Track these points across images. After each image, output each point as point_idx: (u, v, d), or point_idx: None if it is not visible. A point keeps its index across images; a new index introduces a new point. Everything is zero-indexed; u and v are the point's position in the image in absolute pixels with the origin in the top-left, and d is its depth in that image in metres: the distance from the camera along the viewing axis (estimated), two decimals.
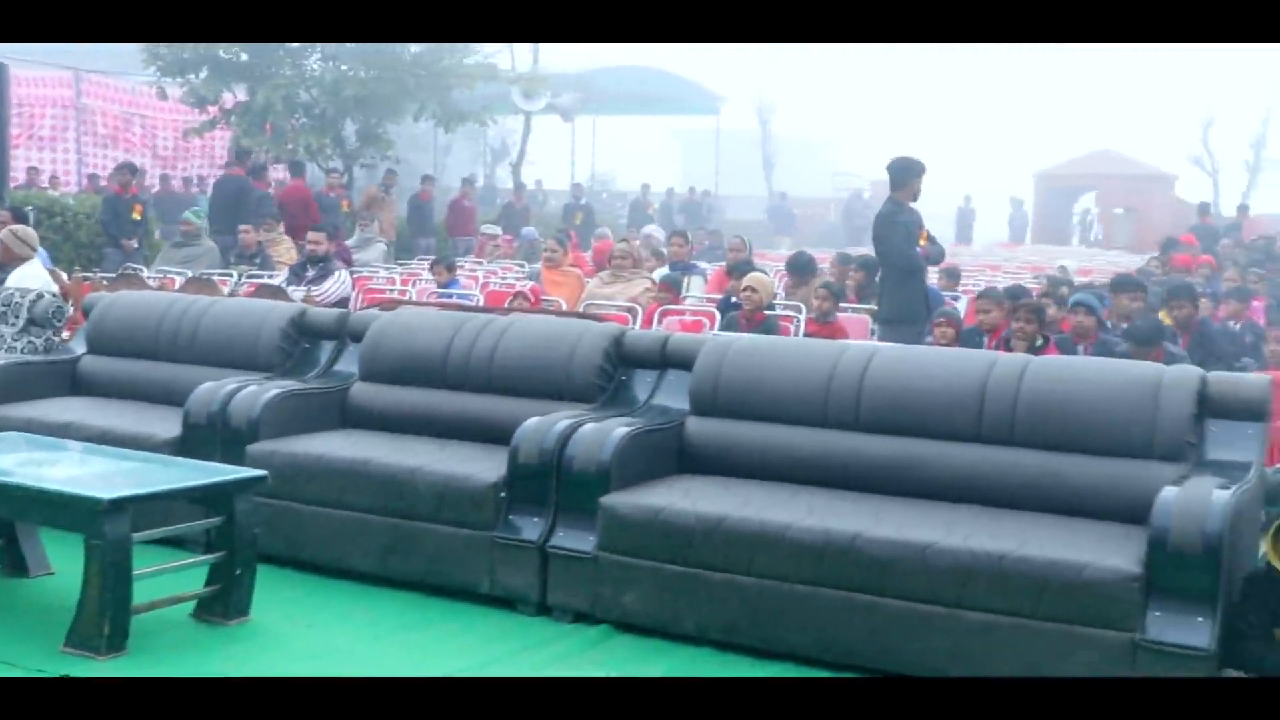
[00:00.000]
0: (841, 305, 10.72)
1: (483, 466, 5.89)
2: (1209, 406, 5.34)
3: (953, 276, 13.97)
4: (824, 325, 9.96)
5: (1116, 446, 5.30)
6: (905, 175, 9.80)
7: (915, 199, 9.89)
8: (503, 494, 5.76)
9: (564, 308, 10.52)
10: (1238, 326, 11.30)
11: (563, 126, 33.51)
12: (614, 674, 5.02)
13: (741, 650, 5.26)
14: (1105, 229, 35.30)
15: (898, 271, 9.80)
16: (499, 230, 18.97)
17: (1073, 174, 37.33)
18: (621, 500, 5.51)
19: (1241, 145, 43.30)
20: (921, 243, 9.77)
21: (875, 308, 10.58)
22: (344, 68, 21.09)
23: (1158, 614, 4.63)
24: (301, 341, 7.30)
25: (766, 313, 9.88)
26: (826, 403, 5.82)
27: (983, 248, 29.83)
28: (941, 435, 5.59)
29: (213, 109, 21.49)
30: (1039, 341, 8.33)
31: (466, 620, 5.65)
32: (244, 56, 20.92)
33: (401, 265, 15.49)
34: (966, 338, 9.09)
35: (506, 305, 9.92)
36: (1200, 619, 4.59)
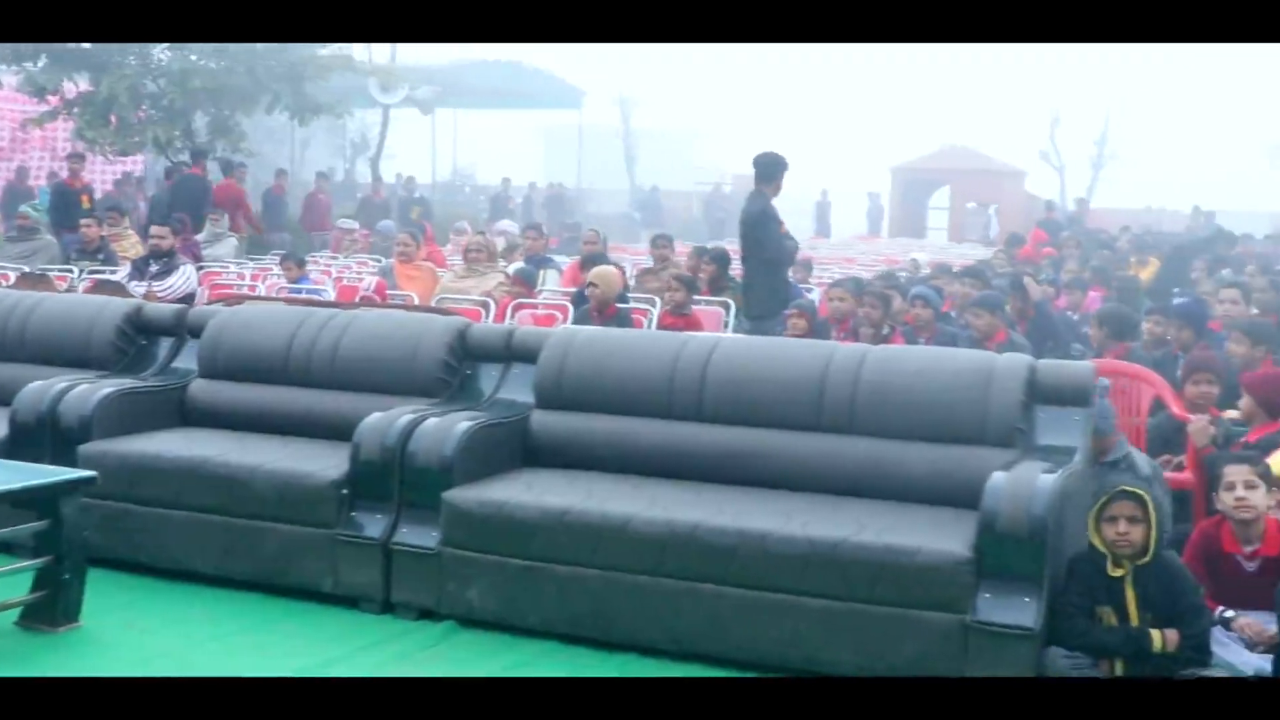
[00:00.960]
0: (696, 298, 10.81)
1: (324, 464, 5.81)
2: (1038, 393, 5.49)
3: (807, 269, 14.15)
4: (679, 317, 10.00)
5: (950, 433, 5.42)
6: (772, 170, 9.90)
7: (778, 194, 10.02)
8: (344, 491, 5.68)
9: (416, 302, 10.41)
10: (1076, 316, 11.65)
11: (423, 120, 33.20)
12: (457, 670, 4.99)
13: (587, 643, 5.27)
14: (957, 223, 36.08)
15: (767, 265, 9.92)
16: (355, 224, 18.71)
17: (928, 169, 38.06)
18: (464, 495, 5.47)
19: (1086, 141, 44.73)
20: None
21: (728, 300, 10.69)
22: (193, 57, 20.54)
23: (987, 596, 4.75)
24: (138, 338, 7.11)
25: (620, 305, 9.91)
26: (670, 394, 5.85)
27: (840, 241, 30.29)
28: (783, 425, 5.66)
29: (53, 99, 20.78)
30: (885, 330, 8.49)
31: (308, 620, 5.56)
32: (85, 44, 20.29)
33: (254, 261, 15.17)
34: (819, 329, 9.21)
35: (356, 301, 9.79)
36: (1027, 599, 4.72)
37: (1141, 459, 6.06)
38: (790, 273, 12.15)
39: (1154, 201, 37.65)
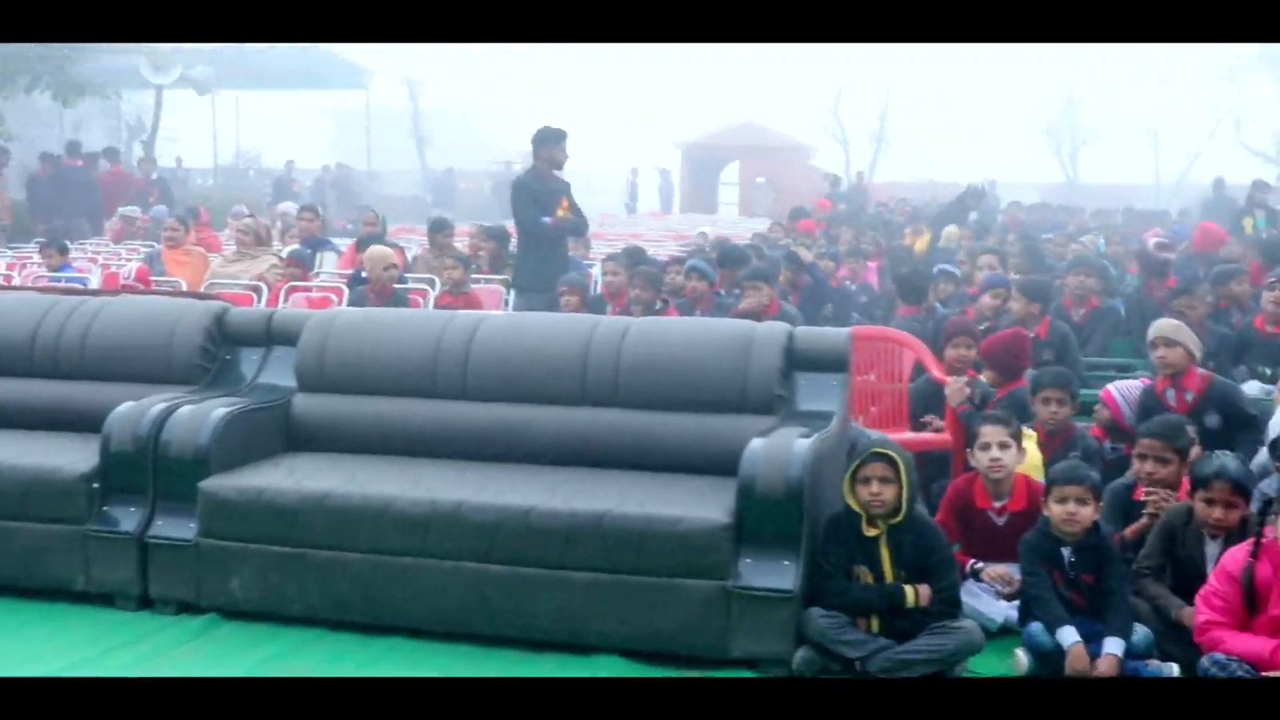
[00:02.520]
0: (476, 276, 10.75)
1: (73, 457, 5.56)
2: (796, 360, 5.59)
3: (587, 245, 14.19)
4: (457, 296, 9.92)
5: (712, 403, 5.48)
6: (540, 143, 9.99)
7: (558, 166, 10.01)
8: (95, 485, 5.45)
9: (184, 289, 10.07)
10: (855, 286, 11.96)
11: (203, 101, 32.12)
12: (213, 663, 4.84)
13: (354, 628, 5.17)
14: (745, 197, 36.69)
15: (527, 238, 9.95)
16: (138, 211, 17.94)
17: (717, 145, 38.55)
18: (222, 484, 5.31)
19: (869, 117, 45.94)
20: (560, 212, 9.87)
21: (508, 278, 10.65)
22: None
23: (748, 561, 4.83)
24: None
25: (397, 286, 9.78)
26: (435, 373, 5.78)
27: (631, 217, 30.49)
28: (547, 400, 5.65)
29: None
30: (658, 305, 8.54)
31: (60, 621, 5.32)
32: None
33: (14, 249, 14.47)
34: (594, 304, 9.23)
35: (119, 287, 9.41)
36: (786, 562, 4.81)
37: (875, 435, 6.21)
38: (572, 248, 12.23)
39: (934, 176, 38.88)
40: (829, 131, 43.90)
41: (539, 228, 9.86)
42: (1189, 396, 6.40)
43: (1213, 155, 41.72)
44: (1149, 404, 6.43)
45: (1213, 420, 6.30)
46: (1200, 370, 6.57)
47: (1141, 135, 45.17)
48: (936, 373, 7.07)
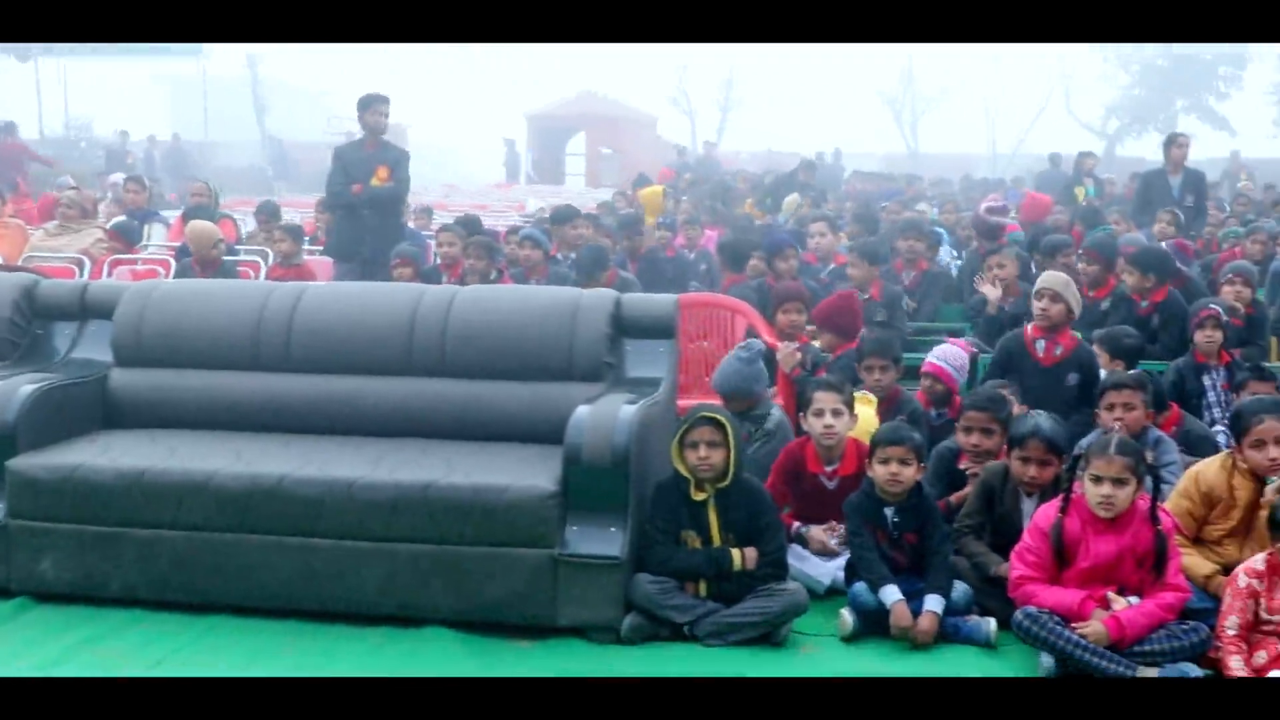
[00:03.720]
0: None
1: None
2: (625, 327, 5.58)
3: (429, 215, 14.05)
4: (289, 268, 9.72)
5: (539, 371, 5.45)
6: (360, 108, 9.96)
7: (378, 131, 9.87)
8: None
9: (2, 263, 9.67)
10: (693, 255, 11.99)
11: (25, 68, 30.91)
12: (24, 649, 4.67)
13: (175, 608, 5.02)
14: (592, 168, 36.64)
15: (335, 206, 10.02)
16: None
17: (563, 116, 38.41)
18: (31, 462, 5.11)
19: (714, 87, 46.22)
20: (375, 181, 9.72)
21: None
22: None
23: (575, 528, 4.81)
24: None
25: (228, 259, 9.54)
26: (257, 345, 5.64)
27: (476, 189, 30.21)
28: (373, 371, 5.56)
29: None
30: (493, 275, 8.47)
31: None
32: None
33: None
34: (428, 275, 9.11)
35: None
36: (613, 529, 4.82)
37: (777, 412, 6.26)
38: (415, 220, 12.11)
39: (779, 145, 39.30)
40: (674, 102, 44.01)
41: (341, 197, 9.79)
42: (1058, 351, 6.62)
43: (1045, 127, 42.94)
44: (1013, 349, 6.71)
45: (1073, 379, 6.54)
46: (1073, 331, 6.79)
47: (979, 106, 46.31)
48: (768, 338, 7.13)
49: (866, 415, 6.06)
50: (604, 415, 4.88)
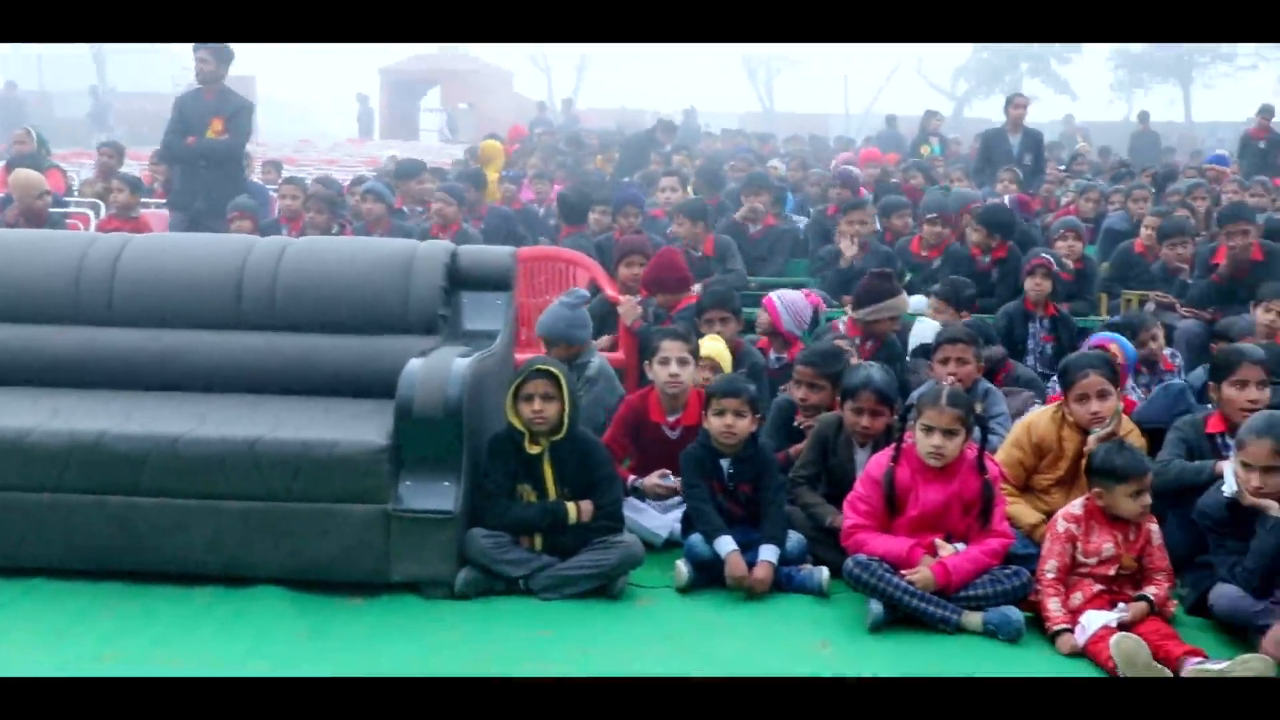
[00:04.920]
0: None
1: None
2: (461, 280, 5.50)
3: (278, 169, 13.73)
4: (125, 221, 9.40)
5: (372, 324, 5.35)
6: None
7: (206, 81, 9.57)
8: None
9: None
10: (542, 209, 11.93)
11: None
12: None
13: None
14: (451, 123, 36.15)
15: (168, 158, 9.91)
16: None
17: (417, 71, 37.78)
18: None
19: (571, 46, 45.94)
20: (210, 133, 9.44)
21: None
22: None
23: (408, 483, 4.73)
24: None
25: (55, 210, 9.19)
26: (77, 297, 5.43)
27: (330, 144, 29.64)
28: (200, 324, 5.40)
29: None
30: (335, 229, 8.31)
31: None
32: None
33: None
34: (268, 229, 8.90)
35: None
36: (446, 484, 4.75)
37: (597, 359, 6.23)
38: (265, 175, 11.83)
39: (635, 103, 39.25)
40: (531, 59, 43.65)
41: (174, 149, 9.54)
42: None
43: (896, 88, 43.60)
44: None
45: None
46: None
47: (833, 66, 46.79)
48: (610, 291, 7.11)
49: (719, 349, 6.09)
50: (437, 368, 4.80)
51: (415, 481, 4.73)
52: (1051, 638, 4.49)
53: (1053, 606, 4.54)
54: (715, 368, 5.96)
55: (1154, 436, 5.36)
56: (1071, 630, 4.45)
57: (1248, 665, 4.04)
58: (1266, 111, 14.94)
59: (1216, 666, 4.07)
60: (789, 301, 6.67)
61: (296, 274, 5.40)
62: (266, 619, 4.53)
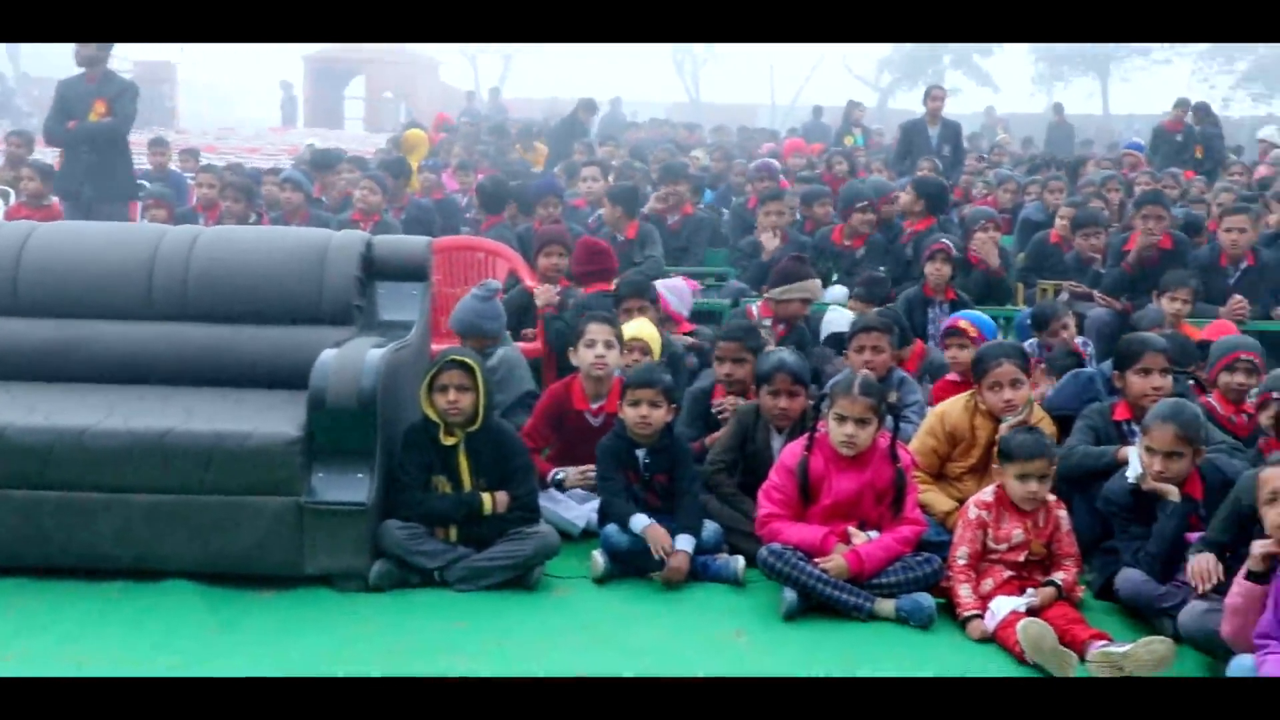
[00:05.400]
0: None
1: None
2: (376, 270, 5.46)
3: (195, 156, 13.56)
4: (36, 209, 9.22)
5: (286, 314, 5.29)
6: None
7: (91, 64, 9.33)
8: None
9: None
10: (465, 199, 11.86)
11: None
12: None
13: None
14: (373, 112, 35.90)
15: (55, 145, 9.62)
16: None
17: (341, 58, 37.40)
18: None
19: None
20: (93, 116, 9.24)
21: None
22: None
23: (321, 475, 4.70)
24: None
25: None
26: None
27: (253, 132, 29.32)
28: (109, 314, 5.31)
29: None
30: (252, 218, 8.22)
31: None
32: None
33: None
34: (184, 217, 8.78)
35: None
36: (360, 475, 4.72)
37: (501, 349, 6.21)
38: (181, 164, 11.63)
39: (563, 93, 39.15)
40: (457, 48, 43.38)
41: (56, 134, 9.39)
42: None
43: (822, 79, 43.86)
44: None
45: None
46: None
47: (760, 58, 46.93)
48: (530, 282, 7.09)
49: (650, 332, 6.10)
50: (350, 359, 4.76)
51: (328, 473, 4.69)
52: (962, 624, 4.55)
53: (963, 593, 4.60)
54: (646, 350, 5.98)
55: (1066, 424, 5.45)
56: (982, 616, 4.50)
57: (1150, 648, 4.12)
58: (1182, 105, 15.19)
59: (1120, 649, 4.14)
60: (672, 287, 6.74)
61: (209, 263, 5.33)
62: (176, 613, 4.47)
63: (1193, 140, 14.51)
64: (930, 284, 7.40)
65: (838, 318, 6.87)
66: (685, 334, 6.48)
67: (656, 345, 6.08)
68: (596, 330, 5.66)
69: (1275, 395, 5.15)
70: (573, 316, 6.53)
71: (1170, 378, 5.23)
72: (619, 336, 5.75)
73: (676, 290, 6.76)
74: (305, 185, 8.70)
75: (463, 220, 10.54)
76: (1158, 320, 6.81)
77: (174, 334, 5.29)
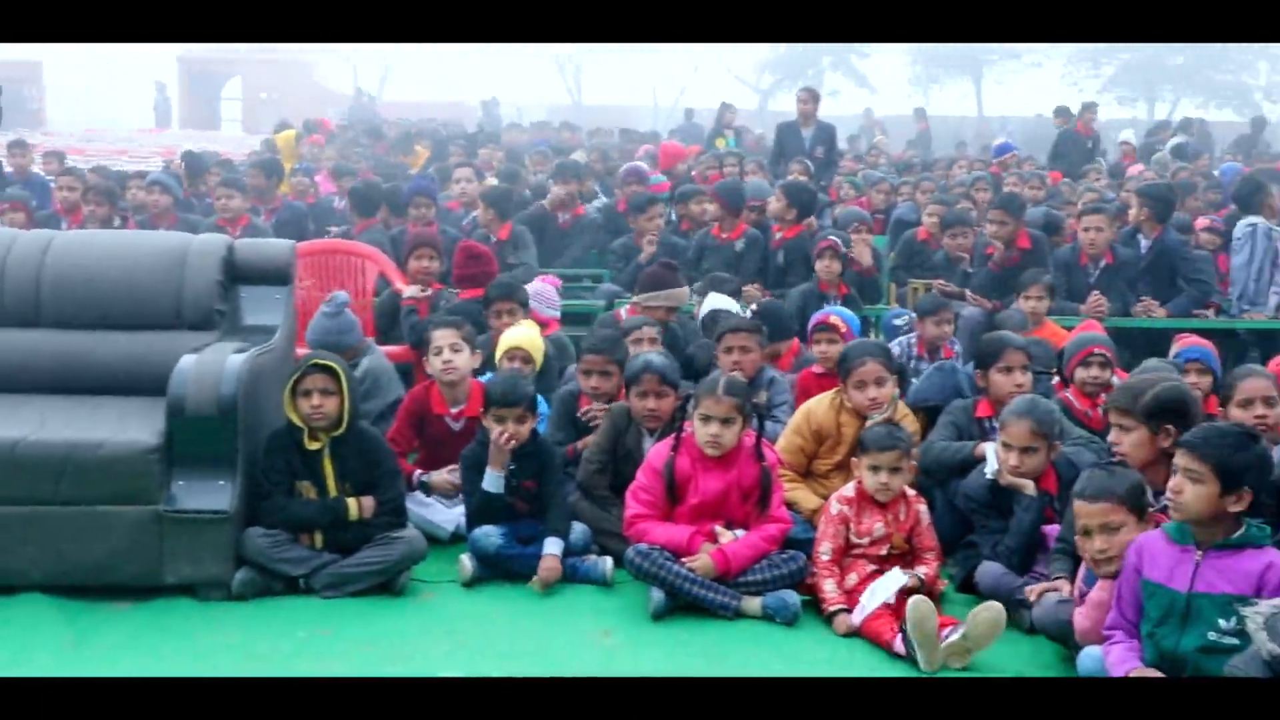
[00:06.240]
0: None
1: None
2: (238, 274, 5.37)
3: (60, 159, 13.22)
4: None
5: (144, 320, 5.19)
6: None
7: None
8: None
9: None
10: (340, 202, 11.73)
11: None
12: None
13: None
14: (250, 114, 35.36)
15: None
16: None
17: (217, 59, 36.80)
18: None
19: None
20: None
21: None
22: None
23: (181, 483, 4.62)
24: None
25: None
26: None
27: (125, 133, 28.66)
28: None
29: None
30: (116, 221, 8.05)
31: None
32: None
33: None
34: (46, 221, 8.58)
35: None
36: (221, 482, 4.64)
37: (365, 360, 6.15)
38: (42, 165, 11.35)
39: (442, 94, 38.90)
40: (334, 49, 42.82)
41: None
42: None
43: (704, 81, 44.12)
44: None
45: None
46: None
47: (641, 60, 47.05)
48: (399, 285, 7.03)
49: (531, 339, 6.08)
50: (210, 364, 4.69)
51: (189, 481, 4.62)
52: (828, 619, 4.61)
53: (828, 588, 4.66)
54: (528, 359, 5.95)
55: (935, 416, 5.57)
56: (848, 610, 4.57)
57: (980, 617, 4.21)
58: (1090, 108, 15.73)
59: (959, 633, 4.22)
60: (535, 292, 6.76)
61: (63, 268, 5.20)
62: (30, 627, 4.37)
63: (1099, 143, 14.91)
64: (823, 280, 7.52)
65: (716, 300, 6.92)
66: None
67: (539, 353, 6.05)
68: (441, 336, 5.64)
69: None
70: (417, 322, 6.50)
71: (1030, 375, 5.36)
72: (468, 339, 5.72)
73: (541, 296, 6.75)
74: (173, 188, 8.53)
75: (339, 223, 10.41)
76: (1022, 322, 6.96)
77: (27, 341, 5.15)
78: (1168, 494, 3.79)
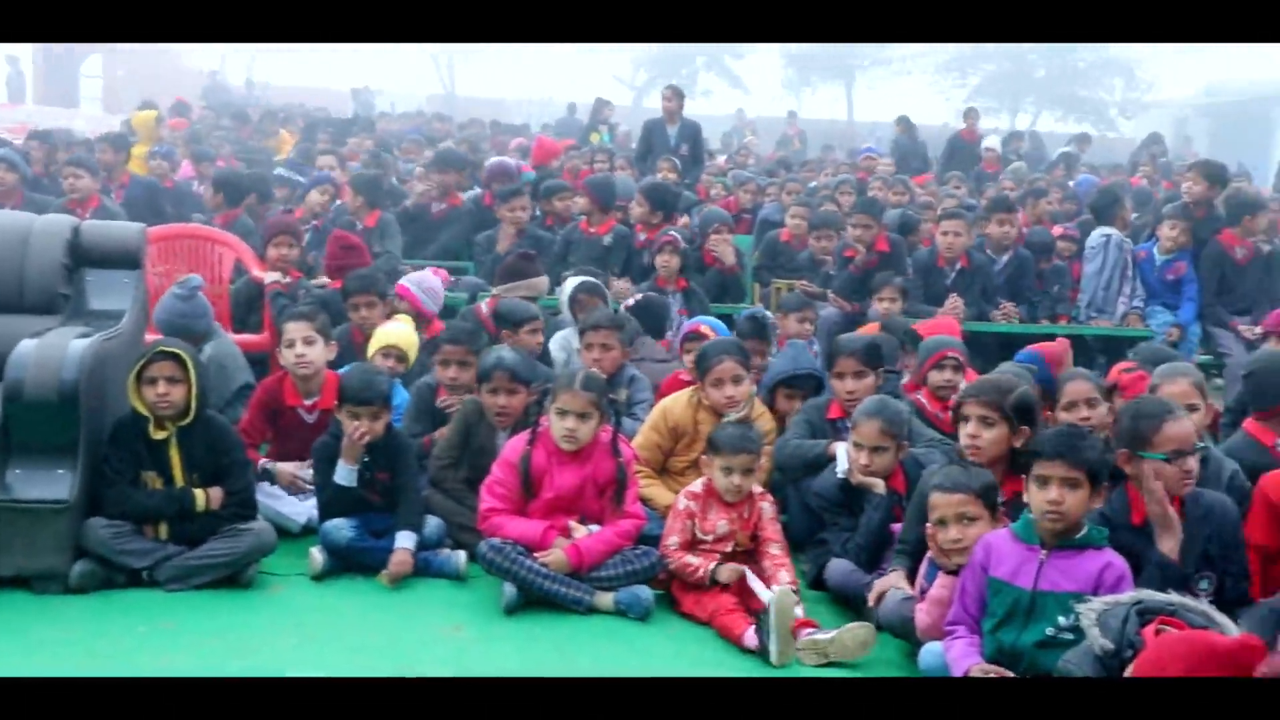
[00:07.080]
0: None
1: None
2: (85, 257, 5.23)
3: None
4: None
5: None
6: None
7: None
8: None
9: None
10: (201, 187, 11.48)
11: None
12: None
13: None
14: (112, 92, 34.39)
15: None
16: None
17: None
18: None
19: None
20: None
21: None
22: None
23: (18, 471, 4.49)
24: None
25: None
26: None
27: None
28: None
29: None
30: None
31: None
32: None
33: None
34: None
35: None
36: (61, 471, 4.51)
37: (209, 347, 6.02)
38: None
39: (315, 81, 38.29)
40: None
41: None
42: None
43: (578, 75, 44.10)
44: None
45: None
46: None
47: (516, 53, 46.85)
48: (256, 271, 6.90)
49: (405, 336, 6.00)
50: (51, 349, 4.55)
51: (26, 469, 4.48)
52: (712, 577, 4.62)
53: (693, 560, 4.69)
54: (401, 356, 5.88)
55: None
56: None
57: (854, 633, 4.28)
58: (973, 114, 16.23)
59: (826, 637, 4.29)
60: (422, 284, 6.67)
61: None
62: None
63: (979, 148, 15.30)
64: (662, 275, 7.57)
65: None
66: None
67: (413, 350, 5.98)
68: (294, 329, 5.57)
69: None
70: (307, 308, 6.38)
71: (868, 379, 5.44)
72: (322, 331, 5.64)
73: (428, 289, 6.65)
74: (20, 165, 8.25)
75: (198, 208, 10.17)
76: (902, 325, 7.04)
77: None
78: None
